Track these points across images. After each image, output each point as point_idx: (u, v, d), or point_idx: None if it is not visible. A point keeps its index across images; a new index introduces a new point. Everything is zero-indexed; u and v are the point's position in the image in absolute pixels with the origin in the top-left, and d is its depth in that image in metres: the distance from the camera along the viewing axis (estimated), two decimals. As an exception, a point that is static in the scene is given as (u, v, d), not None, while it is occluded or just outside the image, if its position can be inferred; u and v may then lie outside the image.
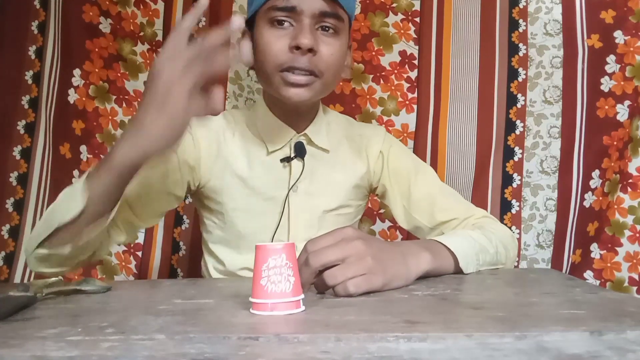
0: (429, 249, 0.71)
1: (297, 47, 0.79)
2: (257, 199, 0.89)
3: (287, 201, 0.89)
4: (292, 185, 0.89)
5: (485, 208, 1.18)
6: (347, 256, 0.60)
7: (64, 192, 0.71)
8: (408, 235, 1.25)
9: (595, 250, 1.13)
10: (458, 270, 0.75)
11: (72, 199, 0.66)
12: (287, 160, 0.89)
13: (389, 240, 1.27)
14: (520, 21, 1.23)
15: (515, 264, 1.16)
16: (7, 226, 1.19)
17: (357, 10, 1.25)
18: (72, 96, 1.24)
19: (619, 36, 1.15)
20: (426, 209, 0.93)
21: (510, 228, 1.22)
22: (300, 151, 0.89)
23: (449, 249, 0.74)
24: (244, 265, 0.90)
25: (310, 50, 0.79)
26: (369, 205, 1.22)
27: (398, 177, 0.96)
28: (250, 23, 0.86)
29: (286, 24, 0.81)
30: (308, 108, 0.91)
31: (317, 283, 0.61)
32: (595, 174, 1.18)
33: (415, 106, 1.25)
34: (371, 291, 0.60)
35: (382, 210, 1.27)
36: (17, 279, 1.18)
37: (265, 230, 0.89)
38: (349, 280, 0.59)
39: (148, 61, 1.28)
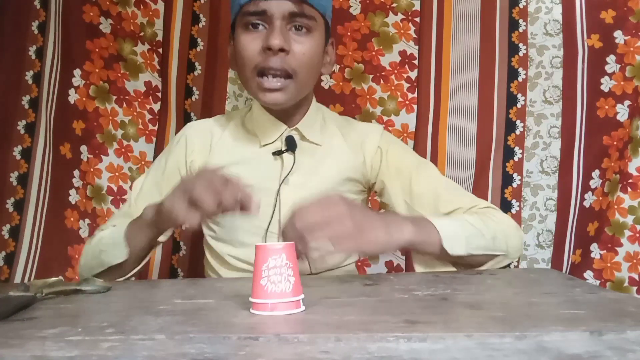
0: (413, 222, 0.75)
1: (269, 48, 0.83)
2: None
3: (279, 194, 0.90)
4: (284, 179, 0.90)
5: (486, 208, 1.18)
6: (329, 216, 0.64)
7: (110, 236, 0.86)
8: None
9: (595, 250, 1.13)
10: (445, 252, 0.76)
11: (117, 248, 0.82)
12: (278, 153, 0.91)
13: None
14: (520, 21, 1.22)
15: (516, 263, 1.16)
16: (8, 226, 1.19)
17: (357, 10, 1.25)
18: (73, 96, 1.24)
19: (619, 36, 1.15)
20: (430, 203, 0.92)
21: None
22: (291, 145, 0.91)
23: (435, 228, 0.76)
24: (239, 257, 0.91)
25: (283, 50, 0.84)
26: (369, 205, 1.21)
27: (399, 173, 0.96)
28: (233, 30, 0.91)
29: (260, 27, 0.86)
30: (297, 104, 0.93)
31: (296, 244, 0.64)
32: (595, 174, 1.18)
33: (415, 106, 1.25)
34: (346, 254, 0.64)
35: (382, 211, 1.27)
36: (17, 279, 1.18)
37: (258, 223, 0.90)
38: (327, 240, 0.63)
39: (148, 61, 1.28)
